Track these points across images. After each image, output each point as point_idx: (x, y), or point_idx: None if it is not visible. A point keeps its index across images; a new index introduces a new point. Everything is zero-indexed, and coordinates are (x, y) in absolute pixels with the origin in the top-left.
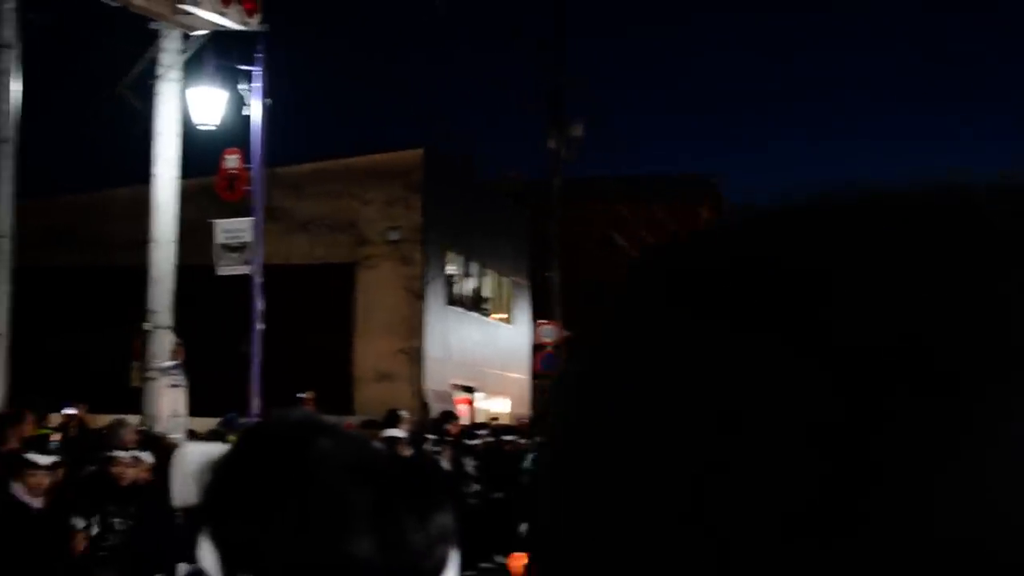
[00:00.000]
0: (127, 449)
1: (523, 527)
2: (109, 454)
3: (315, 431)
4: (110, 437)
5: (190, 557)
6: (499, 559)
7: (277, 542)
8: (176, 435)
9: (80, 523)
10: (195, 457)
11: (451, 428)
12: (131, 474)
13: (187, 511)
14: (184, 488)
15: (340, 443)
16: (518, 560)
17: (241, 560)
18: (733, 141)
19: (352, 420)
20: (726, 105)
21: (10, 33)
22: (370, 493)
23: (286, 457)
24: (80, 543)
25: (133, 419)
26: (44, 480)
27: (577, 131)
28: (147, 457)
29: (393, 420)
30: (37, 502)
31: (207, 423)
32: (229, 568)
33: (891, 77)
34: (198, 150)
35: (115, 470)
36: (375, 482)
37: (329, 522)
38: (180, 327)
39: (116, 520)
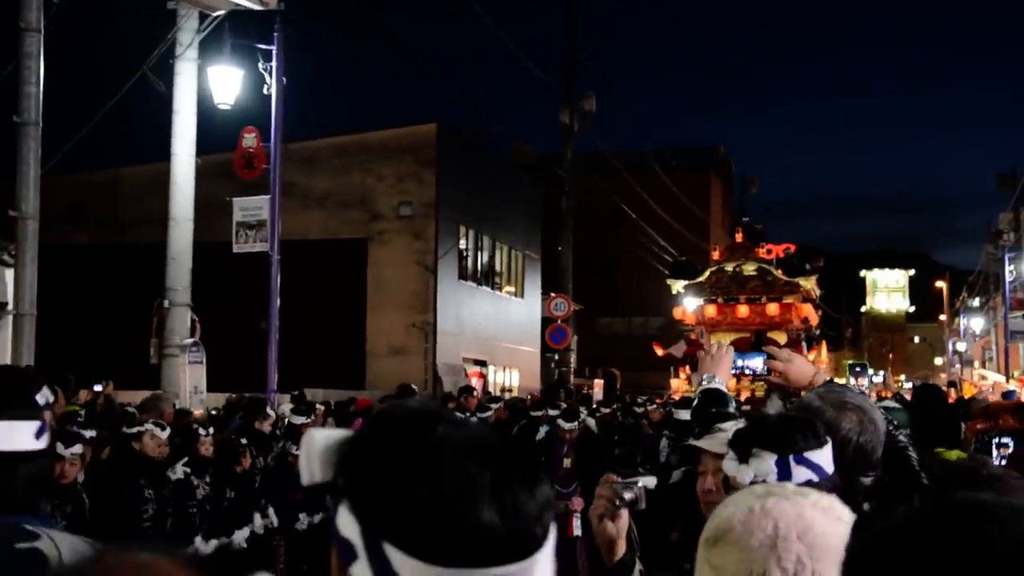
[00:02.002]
0: (165, 426)
1: None
2: (145, 429)
3: (435, 418)
4: (149, 412)
5: (209, 532)
6: None
7: (414, 512)
8: (198, 410)
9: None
10: (321, 440)
11: (469, 401)
12: (167, 451)
13: (313, 488)
14: (311, 467)
15: (458, 428)
16: None
17: (382, 528)
18: (739, 109)
19: (366, 395)
20: (732, 73)
21: (34, 16)
22: (488, 469)
23: (414, 440)
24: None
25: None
26: (69, 471)
27: (589, 104)
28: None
29: (406, 393)
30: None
31: (223, 400)
32: (371, 535)
33: (895, 47)
34: (214, 127)
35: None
36: (491, 459)
37: (457, 494)
38: (196, 303)
39: (150, 493)
